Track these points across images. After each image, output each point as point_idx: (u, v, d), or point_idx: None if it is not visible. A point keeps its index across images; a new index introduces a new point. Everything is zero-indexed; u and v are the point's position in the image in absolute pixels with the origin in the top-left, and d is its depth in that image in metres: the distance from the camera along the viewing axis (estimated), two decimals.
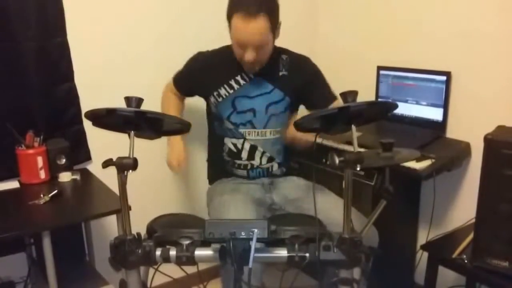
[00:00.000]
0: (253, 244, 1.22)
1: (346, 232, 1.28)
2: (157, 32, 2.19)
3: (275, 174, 1.94)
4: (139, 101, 1.29)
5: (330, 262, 1.28)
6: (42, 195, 1.71)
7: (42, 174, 1.88)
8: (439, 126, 2.10)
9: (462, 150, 2.00)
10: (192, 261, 1.30)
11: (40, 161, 1.86)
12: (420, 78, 2.15)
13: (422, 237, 2.18)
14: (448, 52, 2.08)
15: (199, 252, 1.30)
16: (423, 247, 1.79)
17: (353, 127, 1.31)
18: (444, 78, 2.06)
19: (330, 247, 1.27)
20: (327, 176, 1.92)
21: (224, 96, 1.86)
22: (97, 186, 1.92)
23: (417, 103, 2.17)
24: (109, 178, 1.62)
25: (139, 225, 1.41)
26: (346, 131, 1.33)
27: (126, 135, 1.32)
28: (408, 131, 2.16)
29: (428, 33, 2.15)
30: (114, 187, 1.49)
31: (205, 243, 1.30)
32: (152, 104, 1.31)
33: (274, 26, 1.71)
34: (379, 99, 2.29)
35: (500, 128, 1.60)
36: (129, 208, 1.33)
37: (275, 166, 1.93)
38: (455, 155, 1.97)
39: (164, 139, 2.07)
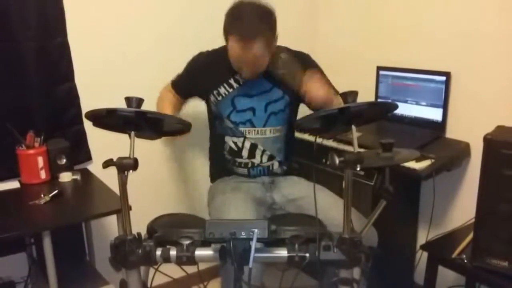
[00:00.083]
0: (253, 244, 1.22)
1: (346, 232, 1.28)
2: (157, 32, 2.19)
3: (275, 173, 1.94)
4: (140, 101, 1.29)
5: (330, 262, 1.29)
6: (42, 195, 1.71)
7: (43, 174, 1.89)
8: (439, 126, 2.10)
9: (462, 150, 2.01)
10: (192, 261, 1.30)
11: (40, 161, 1.87)
12: (419, 79, 2.15)
13: (422, 237, 2.18)
14: (447, 52, 2.08)
15: (199, 252, 1.30)
16: (423, 247, 1.79)
17: (353, 127, 1.31)
18: (443, 78, 2.06)
19: (330, 247, 1.28)
20: (327, 176, 1.93)
21: (223, 95, 1.86)
22: (97, 186, 1.92)
23: (417, 103, 2.18)
24: (109, 178, 1.62)
25: (139, 225, 1.41)
26: (346, 131, 1.33)
27: (126, 135, 1.32)
28: (407, 131, 2.16)
29: (428, 33, 2.15)
30: (115, 187, 1.50)
31: (205, 243, 1.31)
32: (152, 105, 1.32)
33: (271, 43, 1.72)
34: (379, 99, 2.29)
35: (500, 128, 1.60)
36: (130, 208, 1.33)
37: (276, 165, 1.93)
38: (454, 155, 1.97)
39: (164, 139, 2.08)
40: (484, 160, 1.48)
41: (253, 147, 1.89)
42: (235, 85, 1.86)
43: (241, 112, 1.86)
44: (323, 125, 1.39)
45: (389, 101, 2.22)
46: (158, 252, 1.32)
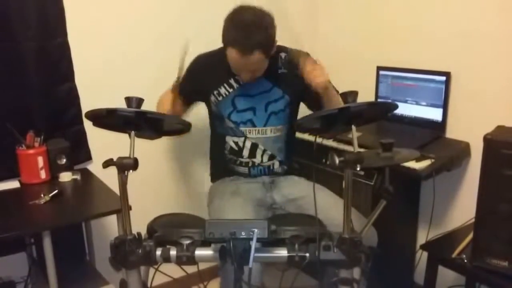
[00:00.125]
0: (253, 244, 1.22)
1: (346, 232, 1.28)
2: (157, 32, 2.19)
3: (276, 172, 1.94)
4: (140, 101, 1.29)
5: (330, 262, 1.29)
6: (42, 195, 1.71)
7: (43, 174, 1.89)
8: (439, 126, 2.10)
9: (462, 150, 2.01)
10: (192, 261, 1.30)
11: (40, 161, 1.87)
12: (419, 78, 2.15)
13: (422, 237, 2.18)
14: (447, 52, 2.08)
15: (200, 252, 1.30)
16: (423, 247, 1.79)
17: (353, 127, 1.32)
18: (443, 78, 2.06)
19: (330, 247, 1.28)
20: (327, 176, 1.93)
21: (224, 95, 1.87)
22: (97, 186, 1.92)
23: (417, 103, 2.18)
24: (109, 178, 1.62)
25: (139, 225, 1.41)
26: (346, 131, 1.33)
27: (126, 135, 1.32)
28: (407, 131, 2.16)
29: (428, 33, 2.15)
30: (115, 187, 1.50)
31: (205, 243, 1.31)
32: (152, 105, 1.32)
33: (270, 51, 1.72)
34: (379, 99, 2.29)
35: (500, 128, 1.60)
36: (130, 208, 1.33)
37: (276, 164, 1.93)
38: (454, 155, 1.97)
39: (164, 139, 2.08)
40: (484, 160, 1.48)
41: (254, 147, 1.89)
42: (235, 85, 1.86)
43: (242, 112, 1.86)
44: (323, 125, 1.39)
45: (389, 101, 2.22)
46: (158, 252, 1.32)
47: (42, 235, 1.58)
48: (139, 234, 1.35)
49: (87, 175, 2.01)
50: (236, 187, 1.88)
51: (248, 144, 1.89)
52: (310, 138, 2.15)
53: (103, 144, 1.94)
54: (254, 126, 1.88)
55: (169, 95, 1.83)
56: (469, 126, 2.02)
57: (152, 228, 1.47)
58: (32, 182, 1.87)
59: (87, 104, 2.01)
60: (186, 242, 1.30)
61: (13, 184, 1.88)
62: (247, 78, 1.78)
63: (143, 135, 1.39)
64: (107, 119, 1.34)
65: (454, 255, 1.66)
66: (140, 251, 1.30)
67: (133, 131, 1.30)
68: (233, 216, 1.64)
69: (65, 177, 1.92)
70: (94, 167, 2.10)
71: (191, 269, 1.41)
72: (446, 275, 1.82)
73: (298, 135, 2.08)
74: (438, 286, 1.80)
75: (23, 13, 1.83)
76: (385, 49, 2.35)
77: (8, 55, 1.84)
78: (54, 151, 1.92)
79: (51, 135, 1.95)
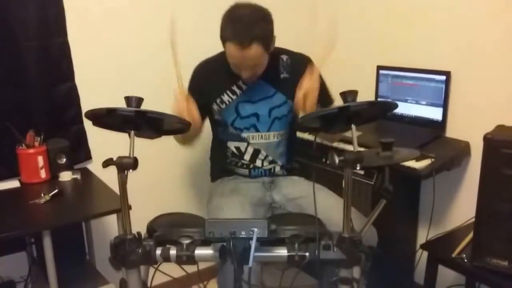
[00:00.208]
0: (253, 243, 1.22)
1: (346, 232, 1.28)
2: (157, 32, 2.19)
3: (277, 174, 1.94)
4: (139, 100, 1.29)
5: (330, 261, 1.29)
6: (42, 195, 1.72)
7: (43, 174, 1.89)
8: (439, 126, 2.10)
9: (462, 150, 2.01)
10: (192, 260, 1.30)
11: (40, 160, 1.87)
12: (419, 78, 2.15)
13: (422, 237, 2.18)
14: (447, 52, 2.08)
15: (199, 251, 1.30)
16: (423, 247, 1.79)
17: (353, 127, 1.31)
18: (443, 77, 2.06)
19: (330, 246, 1.28)
20: (327, 176, 1.93)
21: (227, 102, 1.85)
22: (97, 186, 1.92)
23: (417, 102, 2.18)
24: (109, 177, 1.62)
25: (139, 224, 1.41)
26: (346, 131, 1.33)
27: (126, 135, 1.32)
28: (407, 131, 2.16)
29: (428, 33, 2.15)
30: (115, 187, 1.50)
31: (205, 243, 1.31)
32: (152, 104, 1.31)
33: (269, 45, 1.70)
34: (379, 99, 2.29)
35: (500, 127, 1.60)
36: (129, 207, 1.33)
37: (277, 168, 1.92)
38: (454, 155, 1.97)
39: (164, 139, 2.07)
40: (484, 159, 1.48)
41: (256, 152, 1.88)
42: (238, 91, 1.85)
43: (245, 118, 1.85)
44: (323, 124, 1.39)
45: (389, 100, 2.22)
46: (158, 251, 1.32)
47: (42, 234, 1.58)
48: (139, 233, 1.35)
49: (87, 174, 2.01)
50: (236, 186, 1.88)
51: (250, 149, 1.88)
52: (311, 137, 2.15)
53: (103, 143, 1.94)
54: (257, 131, 1.86)
55: (183, 104, 1.70)
56: (469, 126, 2.02)
57: (152, 227, 1.47)
58: (32, 182, 1.87)
59: (87, 103, 2.02)
60: (186, 241, 1.30)
61: (13, 183, 1.88)
62: (248, 76, 1.76)
63: (143, 135, 1.39)
64: (107, 118, 1.34)
65: (454, 254, 1.66)
66: (140, 251, 1.30)
67: (132, 131, 1.30)
68: (232, 215, 1.64)
69: (65, 176, 1.92)
70: (94, 166, 2.10)
71: (191, 268, 1.41)
72: (446, 274, 1.82)
73: (299, 134, 2.08)
74: (438, 286, 1.80)
75: (24, 13, 1.84)
76: (385, 49, 2.35)
77: (8, 54, 1.84)
78: (54, 150, 1.92)
79: (51, 134, 1.96)
